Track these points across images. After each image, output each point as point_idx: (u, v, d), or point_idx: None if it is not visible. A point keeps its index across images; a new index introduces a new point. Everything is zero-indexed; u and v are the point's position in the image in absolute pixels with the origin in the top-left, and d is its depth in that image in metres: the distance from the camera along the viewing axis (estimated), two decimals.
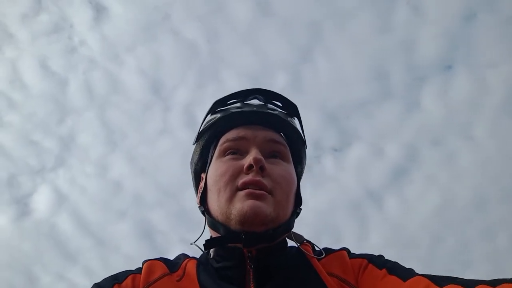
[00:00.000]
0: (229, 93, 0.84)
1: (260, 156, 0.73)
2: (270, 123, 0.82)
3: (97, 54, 6.29)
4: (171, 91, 6.50)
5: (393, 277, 0.66)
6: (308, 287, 0.69)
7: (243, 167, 0.73)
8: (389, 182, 6.25)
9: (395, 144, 6.21)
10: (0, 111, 6.09)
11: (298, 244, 0.77)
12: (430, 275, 0.61)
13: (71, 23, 6.20)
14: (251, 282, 0.68)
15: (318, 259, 0.74)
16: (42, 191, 6.19)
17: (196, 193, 0.87)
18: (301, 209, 0.81)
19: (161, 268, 0.73)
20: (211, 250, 0.75)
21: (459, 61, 6.07)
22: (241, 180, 0.71)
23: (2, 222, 6.09)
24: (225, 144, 0.79)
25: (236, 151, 0.78)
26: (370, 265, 0.71)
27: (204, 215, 0.78)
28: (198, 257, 0.80)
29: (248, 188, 0.70)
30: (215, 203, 0.73)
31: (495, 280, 0.54)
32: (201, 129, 0.85)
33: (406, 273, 0.65)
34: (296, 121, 0.87)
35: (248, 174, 0.72)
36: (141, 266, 0.75)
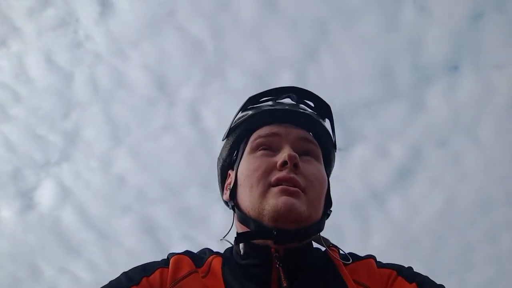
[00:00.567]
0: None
1: (294, 153, 0.72)
2: (302, 122, 0.81)
3: (102, 49, 6.31)
4: (175, 87, 6.51)
5: None
6: None
7: (276, 164, 0.72)
8: (393, 182, 6.23)
9: (400, 145, 6.19)
10: (6, 104, 6.13)
11: (326, 247, 0.76)
12: None
13: (77, 18, 6.22)
14: (277, 282, 0.67)
15: (345, 265, 0.73)
16: (47, 185, 6.23)
17: (222, 189, 0.86)
18: (331, 210, 0.80)
19: (188, 264, 0.73)
20: (240, 246, 0.74)
21: (466, 62, 6.03)
22: (274, 177, 0.71)
23: (6, 215, 6.13)
24: (257, 140, 0.78)
25: (268, 147, 0.77)
26: (400, 277, 0.69)
27: (234, 210, 0.78)
28: (221, 251, 0.80)
29: (281, 185, 0.69)
30: (247, 199, 0.73)
31: None
32: (232, 125, 0.84)
33: None
34: (327, 122, 0.86)
35: (281, 170, 0.71)
36: (166, 258, 0.75)
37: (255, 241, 0.72)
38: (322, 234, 0.77)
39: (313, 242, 0.77)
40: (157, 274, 0.70)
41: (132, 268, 0.72)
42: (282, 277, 0.67)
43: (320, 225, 0.75)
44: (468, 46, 5.95)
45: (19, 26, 6.00)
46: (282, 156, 0.72)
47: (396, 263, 0.75)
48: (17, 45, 6.09)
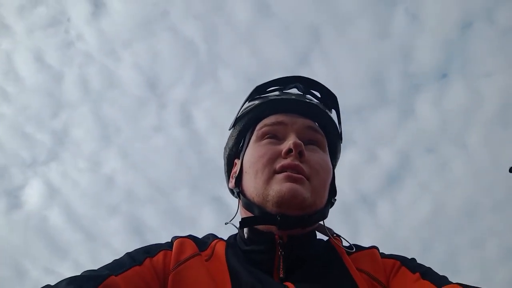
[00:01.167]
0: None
1: (299, 141, 0.73)
2: (308, 112, 0.82)
3: (93, 49, 6.27)
4: (167, 88, 6.49)
5: (426, 282, 0.65)
6: (336, 279, 0.68)
7: (281, 152, 0.73)
8: (382, 187, 6.29)
9: (389, 150, 6.25)
10: None
11: (330, 236, 0.76)
12: (465, 284, 0.61)
13: (69, 17, 6.18)
14: (280, 269, 0.68)
15: (348, 254, 0.73)
16: (34, 184, 6.15)
17: (228, 178, 0.87)
18: (335, 199, 0.81)
19: (192, 247, 0.73)
20: (244, 232, 0.75)
21: (455, 70, 6.13)
22: (279, 164, 0.72)
23: None
24: (263, 129, 0.79)
25: (274, 136, 0.78)
26: (403, 267, 0.70)
27: (239, 197, 0.79)
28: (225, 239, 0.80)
29: (286, 172, 0.70)
30: (252, 185, 0.73)
31: None
32: (238, 114, 0.85)
33: (440, 280, 0.65)
34: (334, 113, 0.87)
35: (286, 158, 0.72)
36: (170, 241, 0.75)
37: (259, 227, 0.72)
38: (327, 225, 0.78)
39: (317, 232, 0.78)
40: (160, 255, 0.70)
41: (136, 249, 0.71)
42: (280, 265, 0.68)
43: (324, 213, 0.75)
44: (457, 54, 6.05)
45: (9, 24, 5.93)
46: (287, 144, 0.73)
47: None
48: (7, 43, 6.02)
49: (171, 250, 0.72)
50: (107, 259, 0.68)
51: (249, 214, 0.74)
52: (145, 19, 6.23)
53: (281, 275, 0.67)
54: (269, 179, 0.71)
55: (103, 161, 6.40)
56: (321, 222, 0.77)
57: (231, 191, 0.85)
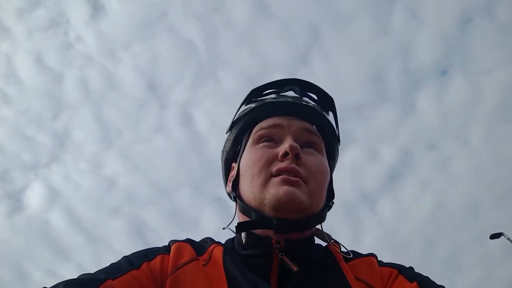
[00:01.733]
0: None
1: (296, 144, 0.73)
2: (305, 115, 0.82)
3: (93, 51, 6.29)
4: (167, 89, 6.49)
5: None
6: (333, 285, 0.68)
7: (277, 155, 0.73)
8: (383, 185, 6.29)
9: (390, 148, 6.24)
10: None
11: (328, 241, 0.76)
12: None
13: (68, 19, 6.20)
14: (278, 273, 0.68)
15: (346, 260, 0.73)
16: (35, 187, 6.16)
17: (226, 182, 0.87)
18: (333, 202, 0.81)
19: (189, 252, 0.73)
20: (242, 236, 0.75)
21: (455, 66, 6.12)
22: (276, 167, 0.72)
23: None
24: (259, 132, 0.79)
25: (271, 139, 0.78)
26: (401, 276, 0.70)
27: (236, 201, 0.79)
28: (223, 242, 0.81)
29: (283, 175, 0.70)
30: (248, 189, 0.73)
31: None
32: (235, 118, 0.85)
33: None
34: (331, 115, 0.87)
35: (283, 161, 0.72)
36: (167, 245, 0.75)
37: (257, 232, 0.72)
38: (328, 226, 0.77)
39: (315, 237, 0.78)
40: (157, 260, 0.70)
41: (133, 253, 0.72)
42: (277, 269, 0.68)
43: (321, 216, 0.75)
44: (457, 51, 6.05)
45: (8, 27, 5.93)
46: (284, 147, 0.73)
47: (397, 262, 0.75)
48: (6, 45, 6.04)
49: (169, 254, 0.72)
50: (109, 261, 0.68)
51: (246, 218, 0.74)
52: (144, 20, 6.25)
53: (278, 280, 0.67)
54: (265, 183, 0.71)
55: (104, 163, 6.42)
56: (319, 227, 0.76)
57: (229, 195, 0.85)
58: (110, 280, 0.60)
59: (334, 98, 0.86)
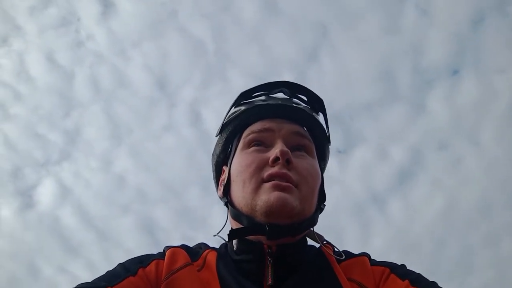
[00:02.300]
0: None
1: (286, 149, 0.72)
2: (295, 117, 0.81)
3: (104, 49, 6.32)
4: (176, 88, 6.51)
5: None
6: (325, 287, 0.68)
7: (268, 159, 0.73)
8: (393, 185, 6.22)
9: (401, 147, 6.18)
10: (6, 103, 6.13)
11: (320, 243, 0.76)
12: None
13: (79, 17, 6.23)
14: (269, 278, 0.67)
15: (338, 261, 0.73)
16: (46, 184, 6.23)
17: (217, 185, 0.87)
18: (325, 205, 0.80)
19: (184, 257, 0.73)
20: (233, 242, 0.74)
21: (467, 66, 6.03)
22: (267, 172, 0.71)
23: (6, 214, 6.13)
24: (250, 136, 0.78)
25: (261, 143, 0.77)
26: (393, 274, 0.70)
27: (227, 207, 0.78)
28: (217, 247, 0.80)
29: (274, 180, 0.69)
30: (240, 194, 0.73)
31: None
32: (224, 121, 0.84)
33: (429, 286, 0.65)
34: (321, 116, 0.86)
35: (273, 166, 0.71)
36: (162, 251, 0.75)
37: (248, 237, 0.72)
38: (317, 230, 0.77)
39: (307, 238, 0.77)
40: (152, 265, 0.70)
41: (129, 260, 0.72)
42: (270, 274, 0.67)
43: (313, 220, 0.75)
44: (469, 49, 5.95)
45: (20, 24, 6.01)
46: (274, 152, 0.72)
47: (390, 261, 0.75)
48: (19, 43, 6.10)
49: (163, 260, 0.72)
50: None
51: (238, 224, 0.74)
52: (154, 19, 6.27)
53: (270, 283, 0.66)
54: (257, 189, 0.70)
55: (114, 160, 6.46)
56: (312, 229, 0.76)
57: (221, 199, 0.84)
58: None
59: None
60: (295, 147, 0.77)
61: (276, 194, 0.68)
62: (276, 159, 0.71)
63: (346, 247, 0.79)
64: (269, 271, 0.68)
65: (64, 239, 5.98)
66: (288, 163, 0.71)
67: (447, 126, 6.07)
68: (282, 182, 0.69)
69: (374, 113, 6.17)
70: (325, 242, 0.78)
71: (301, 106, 0.83)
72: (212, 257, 0.75)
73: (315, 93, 0.85)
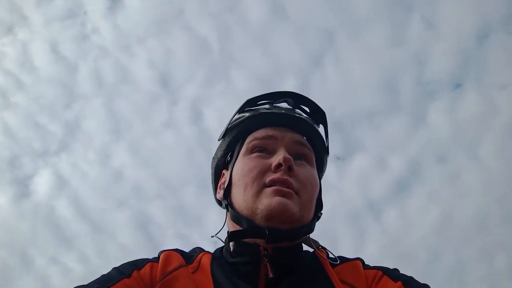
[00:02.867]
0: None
1: (289, 156, 0.74)
2: (297, 127, 0.83)
3: (108, 43, 6.33)
4: (179, 85, 6.52)
5: None
6: None
7: (270, 165, 0.74)
8: (390, 194, 6.22)
9: (399, 158, 6.18)
10: (8, 91, 6.13)
11: (315, 248, 0.77)
12: None
13: (85, 10, 6.24)
14: (265, 280, 0.68)
15: (332, 266, 0.74)
16: (44, 174, 6.22)
17: (215, 188, 0.88)
18: (322, 213, 0.82)
19: (178, 259, 0.74)
20: (230, 244, 0.76)
21: (469, 80, 6.04)
22: (269, 178, 0.73)
23: (1, 201, 6.12)
24: (253, 142, 0.80)
25: (264, 149, 0.79)
26: (385, 276, 0.71)
27: (227, 209, 0.79)
28: (212, 251, 0.81)
29: (276, 186, 0.71)
30: (241, 198, 0.74)
31: None
32: (228, 126, 0.86)
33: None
34: (321, 128, 0.88)
35: (276, 172, 0.73)
36: (157, 256, 0.77)
37: (246, 240, 0.73)
38: (313, 236, 0.78)
39: (303, 244, 0.78)
40: (147, 268, 0.71)
41: (123, 264, 0.73)
42: (264, 276, 0.68)
43: (310, 227, 0.77)
44: (473, 64, 5.96)
45: (27, 15, 6.02)
46: (277, 158, 0.74)
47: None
48: (24, 33, 6.11)
49: (158, 263, 0.73)
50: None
51: (237, 227, 0.75)
52: (160, 16, 6.28)
53: (265, 287, 0.68)
54: (258, 193, 0.72)
55: (113, 154, 6.46)
56: (308, 236, 0.77)
57: (218, 202, 0.86)
58: None
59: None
60: (296, 156, 0.79)
61: (277, 199, 0.69)
62: (278, 165, 0.73)
63: (341, 253, 0.80)
64: (264, 274, 0.69)
65: (58, 230, 5.97)
66: (290, 170, 0.73)
67: (447, 139, 6.08)
68: (283, 188, 0.71)
69: (375, 122, 6.19)
70: (320, 247, 0.79)
71: (303, 117, 0.85)
72: (206, 260, 0.76)
73: (317, 105, 0.87)
